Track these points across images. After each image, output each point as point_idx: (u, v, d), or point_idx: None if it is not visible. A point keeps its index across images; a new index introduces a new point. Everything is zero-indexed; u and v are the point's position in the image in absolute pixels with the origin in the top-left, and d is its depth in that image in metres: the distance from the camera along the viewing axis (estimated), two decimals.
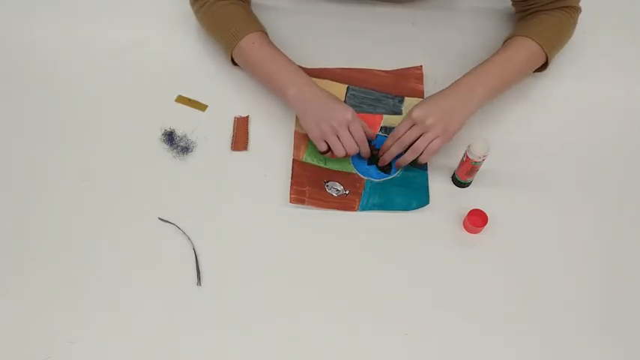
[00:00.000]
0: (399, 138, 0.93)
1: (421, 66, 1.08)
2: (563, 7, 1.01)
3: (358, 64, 1.08)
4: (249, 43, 1.00)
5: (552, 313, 0.87)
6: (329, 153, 0.95)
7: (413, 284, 0.88)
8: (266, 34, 1.03)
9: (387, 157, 0.96)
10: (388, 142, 0.95)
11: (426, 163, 0.98)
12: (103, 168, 0.98)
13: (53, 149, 1.00)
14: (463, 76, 0.96)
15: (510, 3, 1.09)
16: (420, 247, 0.91)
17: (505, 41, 1.03)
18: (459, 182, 0.95)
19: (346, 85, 1.06)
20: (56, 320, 0.85)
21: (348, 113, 0.93)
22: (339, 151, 0.93)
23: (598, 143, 1.02)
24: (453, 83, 0.95)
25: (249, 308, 0.86)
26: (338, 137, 0.93)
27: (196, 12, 1.06)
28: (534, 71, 1.04)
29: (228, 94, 1.05)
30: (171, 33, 1.10)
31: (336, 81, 1.07)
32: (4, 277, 0.89)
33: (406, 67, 1.08)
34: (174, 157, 0.99)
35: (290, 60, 1.00)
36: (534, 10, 1.03)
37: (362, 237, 0.92)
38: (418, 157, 0.93)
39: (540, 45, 0.99)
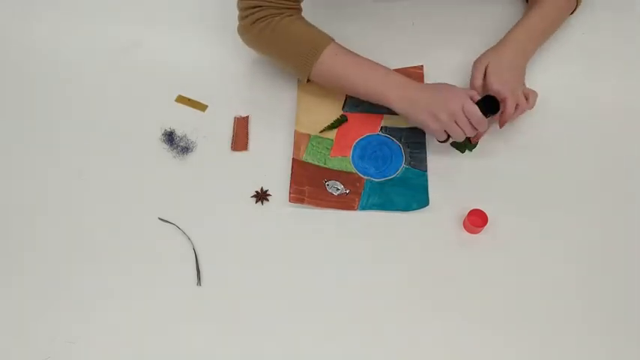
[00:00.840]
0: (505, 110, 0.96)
1: (422, 65, 1.08)
2: None
3: None
4: (332, 55, 0.95)
5: (552, 313, 0.86)
6: (448, 139, 0.95)
7: (413, 284, 0.88)
8: (336, 42, 0.98)
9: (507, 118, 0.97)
10: (508, 113, 0.96)
11: (426, 164, 0.98)
12: (103, 168, 0.98)
13: (53, 149, 1.00)
14: (512, 32, 1.01)
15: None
16: (420, 247, 0.91)
17: None
18: (464, 147, 0.98)
19: None
20: (56, 320, 0.85)
21: (460, 96, 0.92)
22: (459, 136, 0.93)
23: (599, 143, 1.02)
24: (506, 43, 1.00)
25: (249, 308, 0.86)
26: (456, 122, 0.92)
27: (258, 35, 0.96)
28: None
29: (228, 94, 1.05)
30: (171, 33, 1.10)
31: None
32: (4, 277, 0.89)
33: (407, 66, 1.08)
34: (174, 157, 0.99)
35: (375, 62, 0.97)
36: None
37: (362, 237, 0.92)
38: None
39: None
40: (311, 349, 0.83)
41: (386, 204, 0.94)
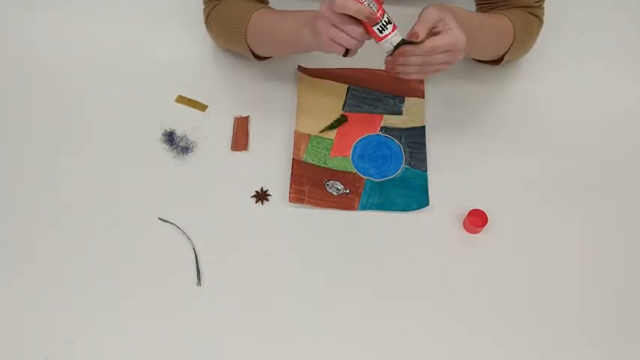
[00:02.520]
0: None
1: None
2: (529, 11, 0.98)
3: (359, 65, 1.08)
4: (259, 16, 0.95)
5: (552, 313, 0.86)
6: (350, 52, 0.84)
7: (413, 284, 0.88)
8: (269, 7, 0.99)
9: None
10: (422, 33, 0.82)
11: (426, 164, 0.98)
12: (103, 168, 0.98)
13: (53, 149, 1.00)
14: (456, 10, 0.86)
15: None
16: (419, 247, 0.91)
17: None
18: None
19: (347, 85, 1.06)
20: (56, 320, 0.85)
21: (323, 3, 0.81)
22: (345, 40, 0.81)
23: (599, 143, 1.02)
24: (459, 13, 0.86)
25: (249, 308, 0.86)
26: (335, 27, 0.81)
27: (210, 27, 1.02)
28: (487, 62, 1.02)
29: (228, 94, 1.05)
30: (172, 33, 1.10)
31: (336, 81, 1.07)
32: (4, 277, 0.88)
33: None
34: (174, 157, 0.99)
35: (302, 10, 0.92)
36: (499, 9, 0.99)
37: (361, 237, 0.92)
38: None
39: (513, 26, 0.95)
40: (311, 348, 0.83)
41: (386, 204, 0.94)
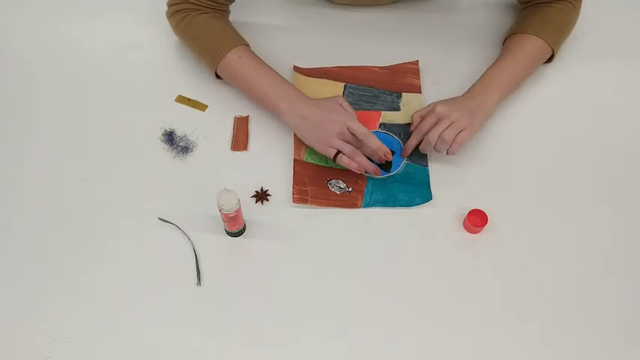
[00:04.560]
0: (427, 136, 0.93)
1: (417, 61, 1.08)
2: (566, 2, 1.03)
3: (355, 63, 1.09)
4: (236, 56, 0.99)
5: (552, 313, 0.86)
6: (340, 156, 0.92)
7: (413, 284, 0.88)
8: (249, 47, 1.02)
9: (408, 148, 0.96)
10: (414, 139, 0.95)
11: (427, 159, 0.98)
12: (103, 168, 0.98)
13: (53, 149, 1.00)
14: (475, 83, 0.98)
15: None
16: (420, 247, 0.91)
17: (507, 37, 1.03)
18: (229, 233, 0.91)
19: (343, 84, 1.06)
20: (56, 320, 0.85)
21: (345, 116, 0.93)
22: (349, 151, 0.91)
23: (598, 143, 1.02)
24: (467, 91, 0.98)
25: (249, 308, 0.86)
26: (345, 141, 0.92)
27: (175, 26, 1.04)
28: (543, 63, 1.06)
29: (228, 94, 1.05)
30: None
31: (333, 80, 1.07)
32: (4, 277, 0.88)
33: (403, 62, 1.09)
34: (174, 157, 0.99)
35: (277, 73, 0.99)
36: (536, 2, 1.04)
37: (361, 237, 0.92)
38: (445, 148, 0.93)
39: (545, 41, 1.00)
40: (311, 348, 0.83)
41: (389, 200, 0.94)
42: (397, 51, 1.10)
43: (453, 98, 0.97)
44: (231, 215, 0.84)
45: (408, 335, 0.84)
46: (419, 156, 0.99)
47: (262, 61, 1.00)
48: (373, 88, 1.06)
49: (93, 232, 0.92)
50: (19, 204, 0.95)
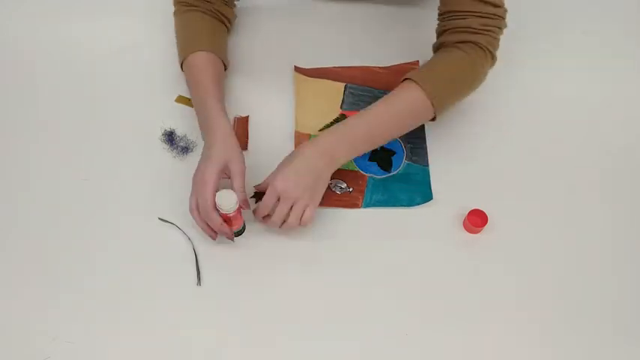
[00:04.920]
0: (271, 217, 0.86)
1: (417, 61, 1.08)
2: (471, 42, 0.90)
3: (354, 63, 1.09)
4: (189, 64, 0.96)
5: (552, 313, 0.86)
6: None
7: (413, 284, 0.88)
8: (217, 56, 0.98)
9: (259, 217, 0.89)
10: (260, 212, 0.88)
11: (427, 159, 0.98)
12: (103, 168, 0.98)
13: (53, 149, 1.00)
14: (324, 135, 0.88)
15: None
16: (419, 247, 0.91)
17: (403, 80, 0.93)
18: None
19: (344, 84, 1.06)
20: (56, 320, 0.85)
21: (197, 191, 0.86)
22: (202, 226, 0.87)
23: (599, 143, 1.02)
24: (313, 145, 0.87)
25: (249, 308, 0.86)
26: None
27: (173, 13, 1.02)
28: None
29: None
30: (171, 33, 1.10)
31: (333, 80, 1.07)
32: (4, 277, 0.88)
33: (403, 62, 1.09)
34: (174, 157, 0.99)
35: (212, 97, 0.92)
36: (448, 31, 0.93)
37: (361, 237, 0.92)
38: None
39: (427, 94, 0.89)
40: (311, 348, 0.83)
41: (390, 200, 0.95)
42: (397, 51, 1.10)
43: (291, 162, 0.86)
44: (231, 215, 0.84)
45: (408, 335, 0.84)
46: (419, 156, 0.99)
47: (210, 76, 0.95)
48: (373, 88, 1.06)
49: (93, 232, 0.92)
50: (19, 204, 0.95)
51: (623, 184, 0.98)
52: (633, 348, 0.85)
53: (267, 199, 0.86)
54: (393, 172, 0.97)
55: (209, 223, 0.87)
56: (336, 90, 1.06)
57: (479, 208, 0.92)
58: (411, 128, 0.94)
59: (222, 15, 1.03)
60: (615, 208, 0.96)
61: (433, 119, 0.93)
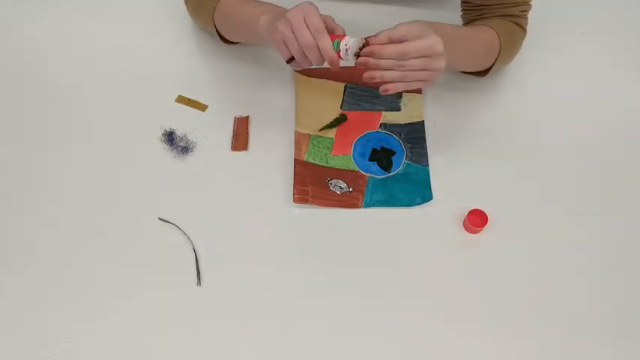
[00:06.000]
0: (406, 45, 0.79)
1: None
2: (513, 20, 0.97)
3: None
4: (227, 3, 0.96)
5: (552, 313, 0.86)
6: (293, 61, 0.84)
7: (413, 284, 0.88)
8: None
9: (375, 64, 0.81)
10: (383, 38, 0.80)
11: (427, 159, 0.98)
12: (103, 168, 0.98)
13: (52, 149, 1.00)
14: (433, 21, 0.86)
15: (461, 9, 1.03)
16: (419, 247, 0.91)
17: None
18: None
19: (344, 84, 1.06)
20: (56, 320, 0.85)
21: (305, 8, 0.80)
22: (291, 44, 0.80)
23: (599, 143, 1.02)
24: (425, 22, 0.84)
25: (249, 308, 0.86)
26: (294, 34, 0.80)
27: (187, 3, 1.03)
28: (474, 74, 1.01)
29: (228, 94, 1.05)
30: (171, 33, 1.10)
31: (333, 80, 1.07)
32: (3, 277, 0.88)
33: None
34: (175, 157, 0.99)
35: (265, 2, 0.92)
36: (485, 17, 0.98)
37: (361, 237, 0.92)
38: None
39: (499, 37, 0.94)
40: (312, 348, 0.83)
41: (390, 200, 0.95)
42: None
43: (439, 32, 0.82)
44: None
45: (408, 335, 0.84)
46: (419, 155, 0.99)
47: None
48: (373, 88, 1.06)
49: (92, 231, 0.92)
50: (19, 204, 0.95)
51: (623, 184, 0.98)
52: (634, 348, 0.85)
53: (402, 29, 0.80)
54: (393, 172, 0.97)
55: (319, 43, 0.79)
56: (336, 89, 1.06)
57: (479, 208, 0.92)
58: (480, 62, 0.97)
59: None
60: (615, 208, 0.96)
61: (485, 73, 0.98)
